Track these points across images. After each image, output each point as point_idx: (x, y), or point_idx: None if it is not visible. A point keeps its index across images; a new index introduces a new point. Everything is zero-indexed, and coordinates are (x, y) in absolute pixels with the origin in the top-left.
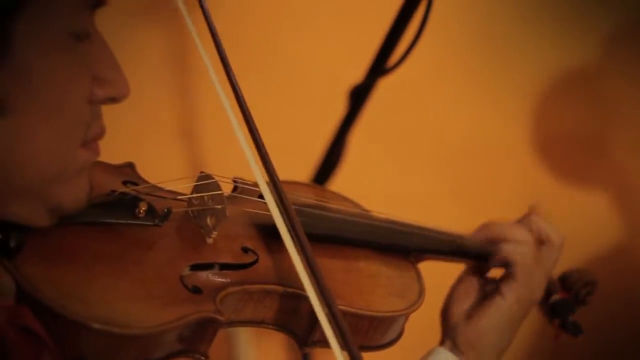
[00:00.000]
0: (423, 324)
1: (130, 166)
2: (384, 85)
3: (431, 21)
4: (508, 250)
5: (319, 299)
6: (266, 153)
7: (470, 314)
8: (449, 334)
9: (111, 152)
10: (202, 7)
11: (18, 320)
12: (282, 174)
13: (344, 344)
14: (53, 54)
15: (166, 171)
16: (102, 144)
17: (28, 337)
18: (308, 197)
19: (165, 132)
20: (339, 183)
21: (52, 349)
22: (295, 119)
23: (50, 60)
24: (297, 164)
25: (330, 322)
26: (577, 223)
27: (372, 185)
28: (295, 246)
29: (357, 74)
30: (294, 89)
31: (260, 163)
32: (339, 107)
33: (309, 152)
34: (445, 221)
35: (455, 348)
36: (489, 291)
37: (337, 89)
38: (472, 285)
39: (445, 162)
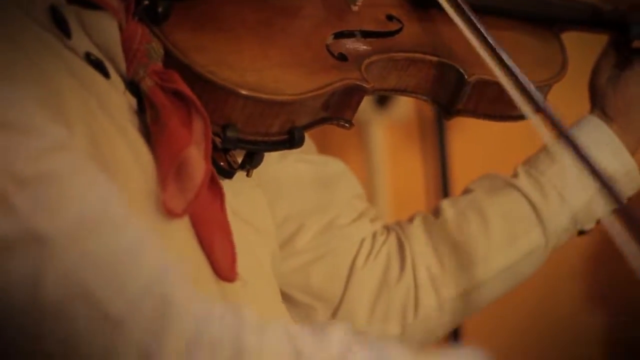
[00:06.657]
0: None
1: None
2: None
3: None
4: None
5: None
6: None
7: (618, 81)
8: (597, 102)
9: None
10: None
11: (167, 84)
12: None
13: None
14: None
15: None
16: None
17: (178, 100)
18: None
19: None
20: None
21: (202, 112)
22: None
23: None
24: None
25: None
26: None
27: None
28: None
29: None
30: None
31: None
32: None
33: None
34: None
35: (604, 115)
36: (635, 60)
37: None
38: (618, 55)
39: None
